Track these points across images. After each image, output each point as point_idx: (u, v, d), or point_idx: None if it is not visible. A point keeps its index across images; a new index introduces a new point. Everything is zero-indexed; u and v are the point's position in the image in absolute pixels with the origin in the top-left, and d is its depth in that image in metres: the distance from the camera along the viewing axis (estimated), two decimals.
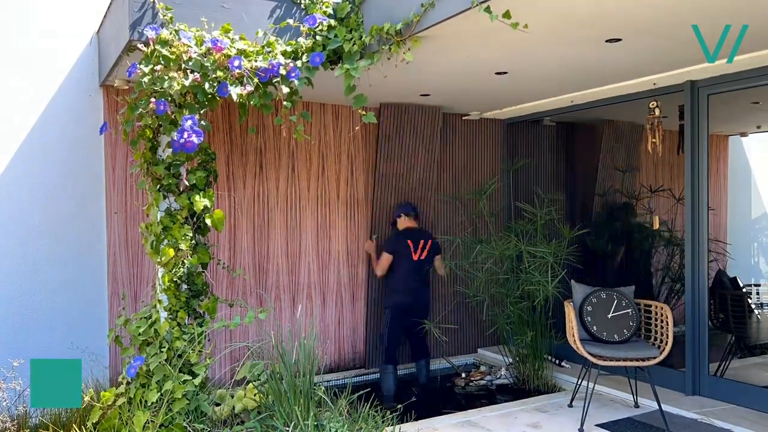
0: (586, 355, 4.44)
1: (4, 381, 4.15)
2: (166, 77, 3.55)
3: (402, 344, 5.86)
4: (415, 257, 5.64)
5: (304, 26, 3.97)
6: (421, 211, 6.18)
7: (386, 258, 5.72)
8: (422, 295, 5.77)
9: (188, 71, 3.62)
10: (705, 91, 4.88)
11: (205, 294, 4.04)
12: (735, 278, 5.68)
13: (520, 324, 5.69)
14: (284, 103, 3.85)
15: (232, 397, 4.26)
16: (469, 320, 6.68)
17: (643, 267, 6.32)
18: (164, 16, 3.67)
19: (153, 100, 3.61)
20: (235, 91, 3.67)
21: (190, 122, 3.56)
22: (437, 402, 5.43)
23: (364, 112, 4.04)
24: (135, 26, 3.67)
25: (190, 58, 3.62)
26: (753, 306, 5.88)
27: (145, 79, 3.57)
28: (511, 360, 5.92)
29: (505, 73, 4.78)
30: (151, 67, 3.57)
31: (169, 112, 3.64)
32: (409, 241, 5.67)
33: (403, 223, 5.81)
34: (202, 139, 3.61)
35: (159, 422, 3.55)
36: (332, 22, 4.00)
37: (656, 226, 6.10)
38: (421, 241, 5.69)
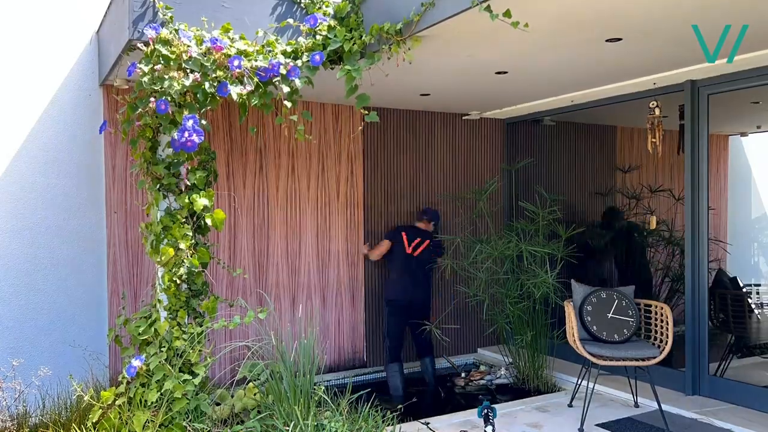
0: (586, 354, 4.44)
1: (4, 381, 4.15)
2: (166, 77, 3.55)
3: (405, 341, 5.91)
4: (408, 250, 5.77)
5: (304, 26, 3.96)
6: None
7: (384, 243, 5.90)
8: (420, 290, 5.82)
9: (188, 71, 3.62)
10: (705, 91, 4.87)
11: (205, 293, 4.04)
12: (735, 278, 5.69)
13: (520, 324, 5.68)
14: (285, 102, 3.84)
15: (232, 396, 4.25)
16: (469, 320, 6.68)
17: (643, 267, 6.31)
18: (164, 15, 3.66)
19: (153, 99, 3.60)
20: (235, 91, 3.67)
21: (191, 122, 3.56)
22: (437, 402, 5.42)
23: (366, 112, 4.03)
24: (135, 25, 3.66)
25: (190, 58, 3.61)
26: (753, 306, 5.88)
27: (145, 79, 3.56)
28: (510, 360, 5.92)
29: (505, 72, 4.78)
30: (150, 66, 3.57)
31: (170, 112, 3.63)
32: (403, 233, 5.82)
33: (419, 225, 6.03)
34: (202, 138, 3.61)
35: (159, 422, 3.55)
36: (332, 22, 3.99)
37: (653, 226, 6.09)
38: (418, 239, 5.78)
